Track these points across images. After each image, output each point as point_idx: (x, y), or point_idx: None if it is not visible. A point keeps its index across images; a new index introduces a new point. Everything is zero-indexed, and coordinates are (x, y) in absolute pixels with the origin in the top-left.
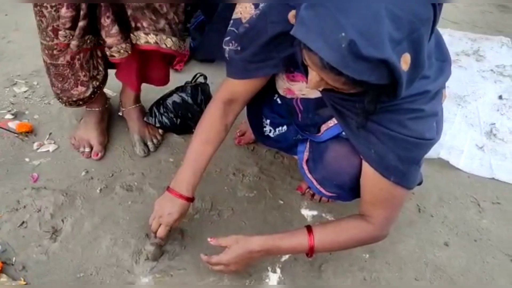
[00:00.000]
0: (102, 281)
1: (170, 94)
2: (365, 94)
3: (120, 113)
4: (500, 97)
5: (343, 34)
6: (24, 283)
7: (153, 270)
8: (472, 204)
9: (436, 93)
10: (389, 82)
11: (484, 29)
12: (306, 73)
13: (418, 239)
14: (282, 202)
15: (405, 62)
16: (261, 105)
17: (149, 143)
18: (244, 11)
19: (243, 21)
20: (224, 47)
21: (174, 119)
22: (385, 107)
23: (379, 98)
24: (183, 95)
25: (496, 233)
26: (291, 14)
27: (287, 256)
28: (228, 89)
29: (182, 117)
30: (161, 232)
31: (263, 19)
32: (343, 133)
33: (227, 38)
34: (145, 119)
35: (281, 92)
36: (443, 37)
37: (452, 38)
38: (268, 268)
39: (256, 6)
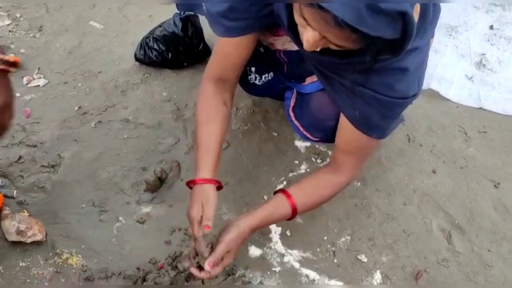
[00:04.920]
0: (103, 211)
1: (159, 26)
2: (367, 50)
3: None
4: (491, 27)
5: None
6: (28, 214)
7: (154, 200)
8: (459, 133)
9: (424, 45)
10: (400, 36)
11: None
12: (294, 36)
13: (407, 167)
14: (276, 134)
15: (416, 13)
16: None
17: None
18: None
19: None
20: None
21: (165, 53)
22: (374, 68)
23: (379, 55)
24: (173, 27)
25: (481, 161)
26: None
27: None
28: (215, 66)
29: (174, 50)
30: (197, 231)
31: None
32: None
33: None
34: (135, 53)
35: (264, 43)
36: None
37: None
38: None
39: None
